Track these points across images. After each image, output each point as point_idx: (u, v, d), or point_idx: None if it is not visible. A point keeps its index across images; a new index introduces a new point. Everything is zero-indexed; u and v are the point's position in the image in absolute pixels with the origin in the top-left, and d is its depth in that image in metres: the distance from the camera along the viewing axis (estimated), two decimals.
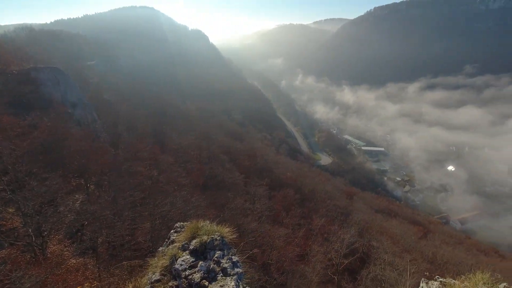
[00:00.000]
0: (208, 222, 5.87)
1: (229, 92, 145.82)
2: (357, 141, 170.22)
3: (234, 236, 5.75)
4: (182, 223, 6.36)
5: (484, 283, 4.37)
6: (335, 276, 25.32)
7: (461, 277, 4.94)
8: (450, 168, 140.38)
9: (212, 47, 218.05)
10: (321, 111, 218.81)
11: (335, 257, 26.34)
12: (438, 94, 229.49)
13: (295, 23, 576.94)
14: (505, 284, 4.52)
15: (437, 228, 61.72)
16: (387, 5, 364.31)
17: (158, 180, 31.59)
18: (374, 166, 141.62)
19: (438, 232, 53.46)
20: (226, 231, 5.73)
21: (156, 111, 69.20)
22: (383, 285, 20.07)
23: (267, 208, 33.22)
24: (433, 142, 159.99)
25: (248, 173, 48.83)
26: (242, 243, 12.39)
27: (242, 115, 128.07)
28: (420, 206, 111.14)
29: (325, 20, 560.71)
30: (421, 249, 36.05)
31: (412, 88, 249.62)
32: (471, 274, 4.75)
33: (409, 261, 27.99)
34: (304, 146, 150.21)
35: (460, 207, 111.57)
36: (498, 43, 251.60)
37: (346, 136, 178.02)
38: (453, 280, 5.00)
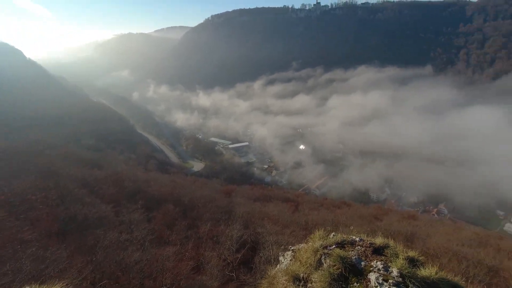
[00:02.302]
0: None
1: (70, 116, 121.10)
2: (223, 141, 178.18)
3: None
4: None
5: (319, 238, 5.26)
6: (233, 273, 25.50)
7: (306, 239, 5.66)
8: (301, 147, 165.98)
9: (31, 64, 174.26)
10: (181, 119, 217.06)
11: (228, 255, 26.47)
12: (277, 88, 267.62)
13: (135, 32, 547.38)
14: (333, 233, 5.55)
15: (303, 199, 71.08)
16: (222, 14, 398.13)
17: None
18: (243, 160, 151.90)
19: (305, 202, 61.96)
20: None
21: None
22: (274, 263, 21.48)
23: (149, 232, 29.61)
24: (281, 128, 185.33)
25: (117, 201, 42.08)
26: None
27: (94, 139, 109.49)
28: (287, 184, 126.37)
29: (167, 28, 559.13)
30: (296, 220, 40.57)
31: (257, 85, 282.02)
32: (312, 234, 5.58)
33: (290, 233, 31.29)
34: (173, 157, 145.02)
35: (314, 177, 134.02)
36: (309, 43, 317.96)
37: (212, 139, 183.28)
38: (301, 245, 5.68)
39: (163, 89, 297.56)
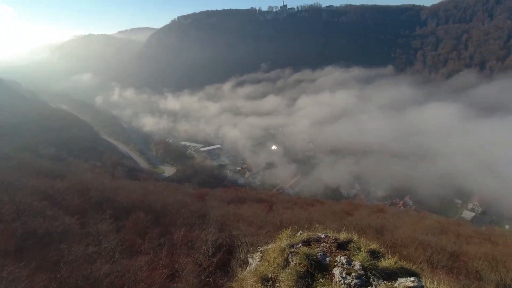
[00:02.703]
0: None
1: (26, 124, 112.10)
2: (194, 144, 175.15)
3: None
4: None
5: (287, 238, 5.36)
6: (209, 278, 25.07)
7: (274, 238, 5.79)
8: (274, 147, 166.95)
9: None
10: (150, 123, 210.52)
11: (204, 260, 25.97)
12: (247, 89, 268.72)
13: (96, 33, 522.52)
14: (300, 232, 5.65)
15: (277, 199, 71.25)
16: (189, 15, 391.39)
17: None
18: (215, 163, 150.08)
19: (279, 202, 62.35)
20: None
21: None
22: (245, 265, 21.52)
23: (118, 242, 28.13)
24: (253, 129, 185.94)
25: (82, 212, 39.52)
26: None
27: (55, 148, 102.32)
28: (261, 185, 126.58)
29: (130, 29, 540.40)
30: (270, 220, 40.67)
31: (226, 87, 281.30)
32: (280, 234, 5.68)
33: (265, 234, 31.37)
34: (143, 163, 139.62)
35: (287, 176, 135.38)
36: (278, 45, 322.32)
37: (183, 142, 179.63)
38: (269, 245, 5.79)
39: (129, 92, 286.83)
